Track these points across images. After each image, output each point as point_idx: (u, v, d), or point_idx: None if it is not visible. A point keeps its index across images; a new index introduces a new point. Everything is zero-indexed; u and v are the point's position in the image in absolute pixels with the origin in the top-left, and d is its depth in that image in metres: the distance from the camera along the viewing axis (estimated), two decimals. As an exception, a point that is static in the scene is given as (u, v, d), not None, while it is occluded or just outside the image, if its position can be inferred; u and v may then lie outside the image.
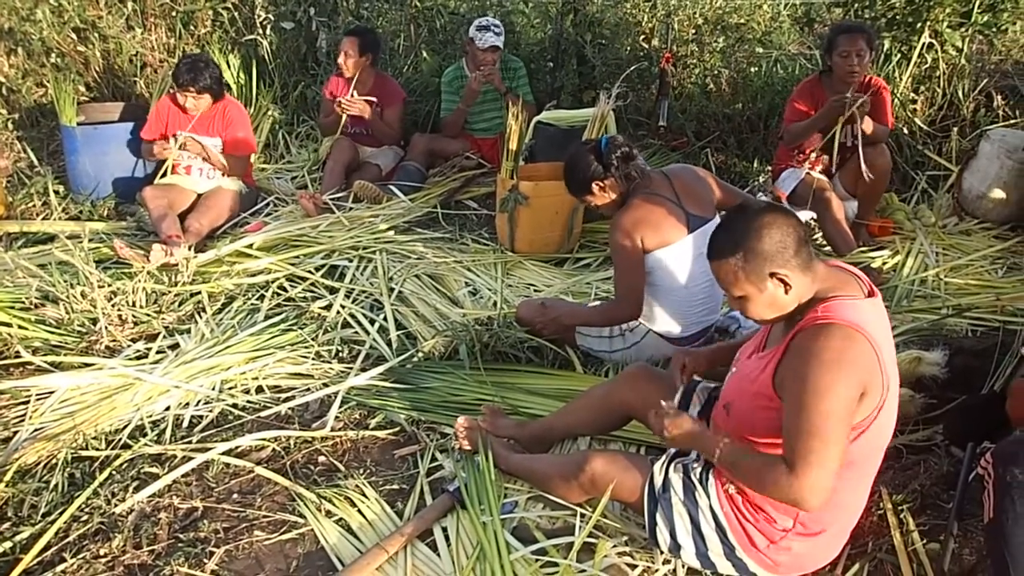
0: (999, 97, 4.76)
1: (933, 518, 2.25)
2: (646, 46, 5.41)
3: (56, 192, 4.78)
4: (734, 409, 2.05)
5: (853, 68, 3.92)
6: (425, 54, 5.76)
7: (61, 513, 2.44)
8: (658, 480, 2.15)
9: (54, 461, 2.66)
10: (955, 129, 4.72)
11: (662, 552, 2.19)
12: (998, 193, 4.16)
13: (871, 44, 3.97)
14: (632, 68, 4.91)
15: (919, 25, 4.77)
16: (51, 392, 3.00)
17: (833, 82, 4.02)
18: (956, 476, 2.27)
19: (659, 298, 2.96)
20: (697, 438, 2.02)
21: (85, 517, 2.46)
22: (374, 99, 4.84)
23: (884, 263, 3.93)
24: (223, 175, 4.56)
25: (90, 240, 3.97)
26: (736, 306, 1.99)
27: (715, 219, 2.93)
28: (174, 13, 5.78)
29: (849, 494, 1.97)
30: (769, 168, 4.63)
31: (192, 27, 5.83)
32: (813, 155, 4.08)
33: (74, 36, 5.63)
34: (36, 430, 2.82)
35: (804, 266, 1.88)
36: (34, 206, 4.79)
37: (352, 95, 4.78)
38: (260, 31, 5.64)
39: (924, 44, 4.66)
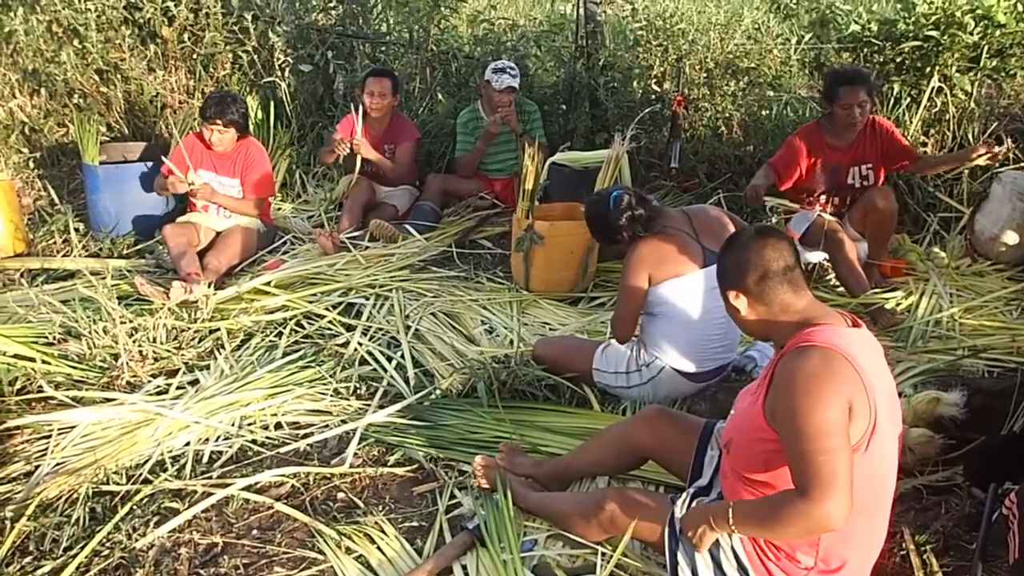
0: (1009, 140, 4.79)
1: (956, 559, 2.24)
2: (658, 89, 5.48)
3: (76, 230, 4.86)
4: (733, 447, 2.07)
5: (855, 120, 4.01)
6: (440, 96, 5.85)
7: (82, 548, 2.45)
8: (679, 519, 2.15)
9: (75, 496, 2.68)
10: (966, 172, 4.75)
11: (684, 591, 2.18)
12: (1011, 235, 4.18)
13: (871, 92, 4.06)
14: (645, 112, 4.98)
15: (928, 70, 4.83)
16: (73, 427, 3.03)
17: (835, 128, 4.10)
18: (978, 517, 2.26)
19: (672, 331, 3.00)
20: (713, 519, 1.99)
21: (106, 552, 2.47)
22: (388, 163, 4.98)
23: (898, 304, 3.94)
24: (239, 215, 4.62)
25: (112, 277, 4.02)
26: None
27: None
28: (195, 56, 5.89)
29: (862, 527, 1.96)
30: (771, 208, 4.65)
31: (212, 69, 5.94)
32: (823, 197, 4.13)
33: (97, 77, 5.74)
34: (58, 464, 2.85)
35: (763, 293, 1.99)
36: (54, 243, 4.87)
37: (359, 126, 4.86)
38: (279, 73, 5.74)
39: (934, 88, 4.72)
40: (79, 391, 3.26)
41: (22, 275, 4.40)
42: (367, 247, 4.62)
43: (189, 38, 5.84)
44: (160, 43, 5.84)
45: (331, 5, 5.99)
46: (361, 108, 4.85)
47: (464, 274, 4.45)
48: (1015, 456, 2.38)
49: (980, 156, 3.98)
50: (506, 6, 8.07)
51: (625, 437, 2.54)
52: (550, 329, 3.84)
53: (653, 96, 5.47)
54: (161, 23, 5.76)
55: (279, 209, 5.30)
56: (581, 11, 5.53)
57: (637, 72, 5.59)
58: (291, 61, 5.76)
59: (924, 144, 4.92)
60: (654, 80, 5.51)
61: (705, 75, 5.46)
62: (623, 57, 5.65)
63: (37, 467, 2.84)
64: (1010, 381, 2.85)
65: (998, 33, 4.78)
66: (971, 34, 4.74)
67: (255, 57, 5.88)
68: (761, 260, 1.99)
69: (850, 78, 4.04)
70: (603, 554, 2.31)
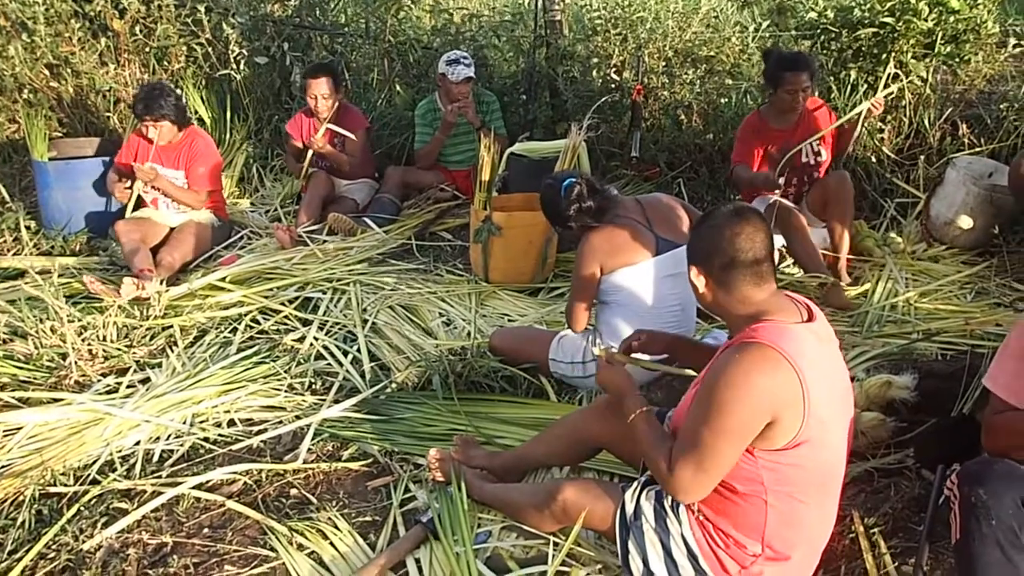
0: (964, 125, 4.84)
1: (904, 540, 2.25)
2: (617, 78, 5.47)
3: (28, 228, 4.76)
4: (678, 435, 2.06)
5: (798, 104, 4.09)
6: (399, 88, 5.80)
7: (28, 550, 2.41)
8: (629, 508, 2.15)
9: (21, 498, 2.64)
10: (922, 157, 4.79)
11: (635, 580, 2.18)
12: (965, 219, 4.22)
13: (813, 76, 4.12)
14: (603, 100, 4.96)
15: (884, 56, 4.85)
16: (19, 428, 2.97)
17: (776, 112, 4.17)
18: (927, 499, 2.27)
19: (627, 318, 2.99)
20: (623, 395, 2.16)
21: (52, 554, 2.42)
22: (353, 136, 4.87)
23: (853, 288, 3.97)
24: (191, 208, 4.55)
25: (61, 275, 3.94)
26: None
27: (684, 244, 2.98)
28: (148, 49, 5.80)
29: (809, 517, 1.97)
30: (739, 197, 4.68)
31: (166, 62, 5.84)
32: (781, 180, 4.14)
33: (47, 72, 5.63)
34: (3, 467, 2.80)
35: (726, 280, 1.96)
36: (5, 242, 4.75)
37: (320, 133, 4.80)
38: (234, 66, 5.65)
39: (890, 75, 4.75)
40: (25, 392, 3.19)
41: (-28, 275, 4.30)
42: (325, 241, 4.56)
43: (141, 31, 5.75)
44: (111, 36, 5.74)
45: (287, -4, 5.93)
46: (323, 120, 4.80)
47: (423, 266, 4.42)
48: (964, 438, 2.39)
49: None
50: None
51: (578, 428, 2.53)
52: (509, 320, 3.82)
53: (613, 85, 5.46)
54: (112, 16, 5.67)
55: (236, 204, 5.23)
56: (540, 1, 5.50)
57: (596, 61, 5.57)
58: (246, 54, 5.68)
59: (881, 131, 4.95)
60: (613, 69, 5.50)
61: (664, 64, 5.46)
62: (582, 46, 5.63)
63: (-18, 470, 2.78)
64: (961, 364, 2.87)
65: (952, 19, 4.81)
66: (926, 20, 4.76)
67: (209, 50, 5.80)
68: (732, 247, 1.93)
69: (795, 63, 4.08)
70: (556, 544, 2.31)
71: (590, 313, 3.11)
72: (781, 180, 4.13)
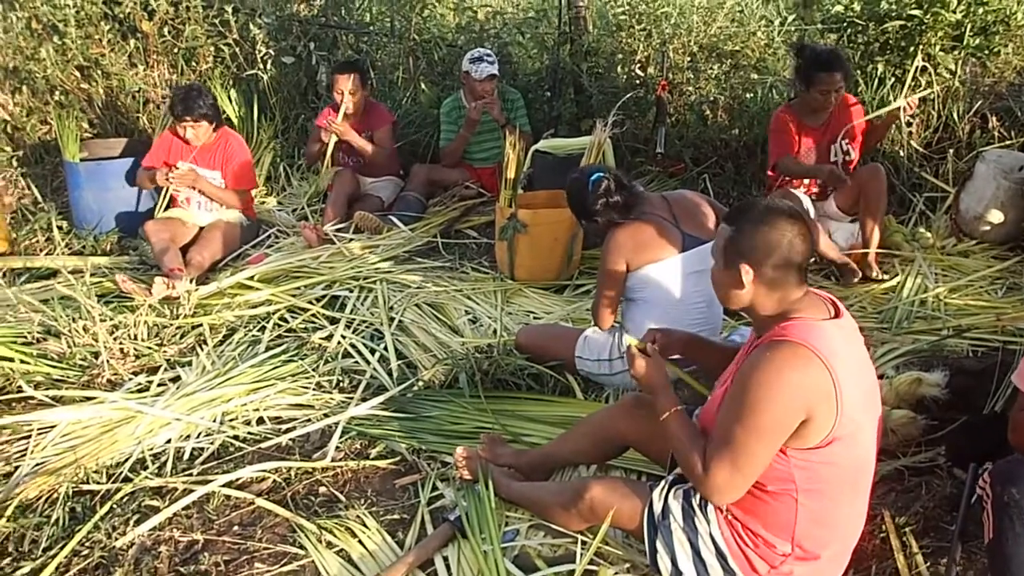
0: (994, 118, 4.78)
1: (936, 540, 2.23)
2: (642, 74, 5.46)
3: (59, 228, 4.83)
4: (708, 433, 2.06)
5: (829, 104, 4.06)
6: (424, 86, 5.81)
7: (62, 548, 2.44)
8: (657, 507, 2.15)
9: (55, 496, 2.67)
10: (951, 151, 4.74)
11: (663, 579, 2.18)
12: (995, 214, 4.16)
13: (847, 76, 4.10)
14: (628, 96, 4.95)
15: (912, 49, 4.80)
16: (52, 427, 3.01)
17: (807, 109, 4.13)
18: (959, 498, 2.25)
19: (653, 314, 2.98)
20: (656, 392, 2.14)
21: (86, 552, 2.46)
22: (368, 147, 4.94)
23: (883, 282, 3.94)
24: (223, 207, 4.60)
25: (93, 275, 4.00)
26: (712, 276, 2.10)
27: (711, 241, 2.97)
28: (176, 50, 5.86)
29: (840, 515, 1.96)
30: (768, 192, 4.65)
31: (194, 63, 5.90)
32: (806, 179, 4.12)
33: (78, 74, 5.71)
34: (37, 465, 2.83)
35: (775, 280, 1.93)
36: (38, 242, 4.84)
37: (340, 117, 4.85)
38: (261, 66, 5.70)
39: (918, 67, 4.70)
40: (59, 390, 3.25)
41: (4, 275, 4.37)
42: (351, 239, 4.59)
43: (170, 32, 5.80)
44: (140, 38, 5.80)
45: (312, -5, 5.97)
46: (343, 107, 4.83)
47: (449, 264, 4.43)
48: (996, 436, 2.37)
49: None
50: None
51: (605, 426, 2.53)
52: (535, 318, 3.83)
53: (637, 81, 5.45)
54: (141, 17, 5.73)
55: (263, 203, 5.28)
56: (564, -3, 5.50)
57: (621, 57, 5.56)
58: (273, 53, 5.72)
59: (909, 124, 4.90)
60: (638, 65, 5.48)
61: (689, 59, 5.44)
62: (607, 42, 5.62)
63: (16, 468, 2.82)
64: (992, 360, 2.85)
65: (980, 11, 4.76)
66: (954, 12, 4.71)
67: (236, 50, 5.85)
68: (791, 249, 1.92)
69: (829, 63, 4.01)
70: (584, 543, 2.31)
71: (616, 310, 3.11)
72: (807, 180, 4.13)
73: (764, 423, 1.82)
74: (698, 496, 2.11)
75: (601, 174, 3.03)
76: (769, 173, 4.27)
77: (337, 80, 4.87)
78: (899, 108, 4.03)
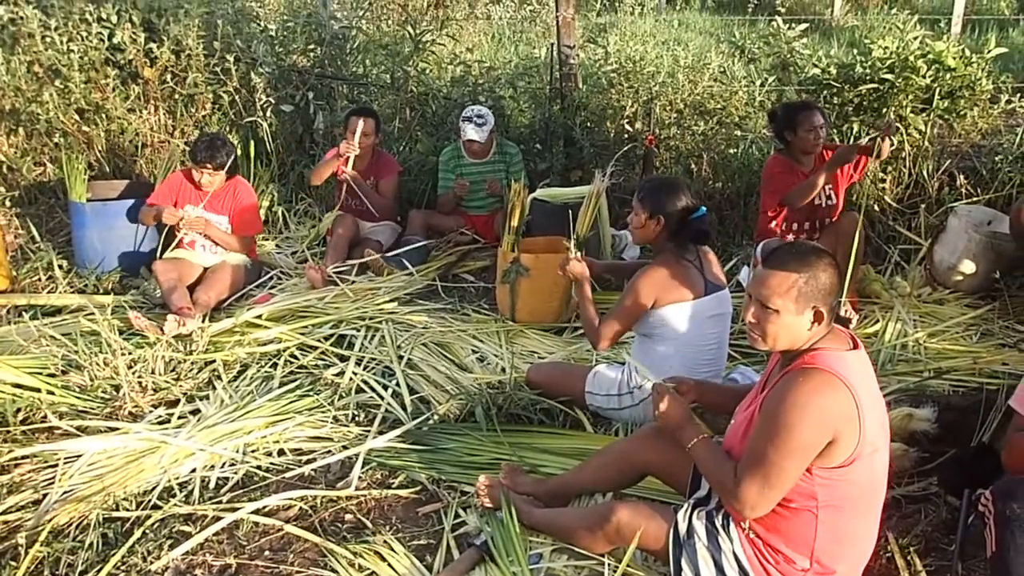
0: (961, 176, 5.10)
1: (937, 559, 2.41)
2: (630, 129, 5.72)
3: (60, 266, 4.89)
4: (735, 455, 2.22)
5: (818, 143, 4.29)
6: (420, 135, 6.01)
7: (98, 571, 2.51)
8: (682, 527, 2.29)
9: (86, 522, 2.74)
10: (923, 206, 5.03)
11: (687, 597, 2.31)
12: (967, 264, 4.43)
13: (826, 118, 4.36)
14: (622, 151, 5.19)
15: (884, 110, 5.13)
16: (79, 456, 3.08)
17: (795, 156, 4.36)
18: (954, 522, 2.44)
19: (667, 353, 3.14)
20: (680, 426, 2.31)
21: (121, 575, 2.52)
22: (375, 194, 5.19)
23: (863, 328, 4.15)
24: (226, 251, 4.72)
25: (102, 312, 4.06)
26: (756, 317, 2.14)
27: (726, 289, 3.23)
28: (175, 96, 5.99)
29: (856, 531, 2.12)
30: (751, 243, 4.88)
31: (192, 109, 6.04)
32: (795, 225, 4.35)
33: (78, 117, 5.81)
34: (66, 492, 2.89)
35: (828, 317, 2.10)
36: (39, 280, 4.89)
37: (350, 165, 5.05)
38: (260, 113, 5.86)
39: (890, 119, 4.99)
40: (83, 421, 3.31)
41: (8, 312, 4.42)
42: (354, 281, 4.72)
43: (171, 78, 5.95)
44: (141, 83, 5.93)
45: (311, 48, 6.15)
46: (352, 151, 5.00)
47: (450, 306, 4.57)
48: (985, 466, 2.56)
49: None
50: (484, 49, 8.34)
51: (626, 455, 2.67)
52: (538, 357, 3.97)
53: (626, 135, 5.70)
54: (143, 64, 5.86)
55: (262, 245, 5.38)
56: (555, 55, 5.76)
57: (611, 112, 5.82)
58: (272, 101, 5.88)
59: (883, 180, 5.20)
60: (626, 120, 5.74)
61: (675, 115, 5.71)
62: (596, 98, 5.87)
63: (45, 495, 2.88)
64: (976, 398, 3.06)
65: (948, 76, 5.11)
66: (924, 77, 5.06)
67: (236, 97, 6.00)
68: (840, 286, 2.15)
69: (805, 104, 4.35)
70: (610, 565, 2.43)
71: (617, 340, 3.26)
72: (795, 226, 4.35)
73: (795, 442, 1.98)
74: (720, 517, 2.26)
75: (705, 212, 3.19)
76: (768, 214, 4.43)
77: (354, 121, 5.03)
78: (880, 137, 4.20)
